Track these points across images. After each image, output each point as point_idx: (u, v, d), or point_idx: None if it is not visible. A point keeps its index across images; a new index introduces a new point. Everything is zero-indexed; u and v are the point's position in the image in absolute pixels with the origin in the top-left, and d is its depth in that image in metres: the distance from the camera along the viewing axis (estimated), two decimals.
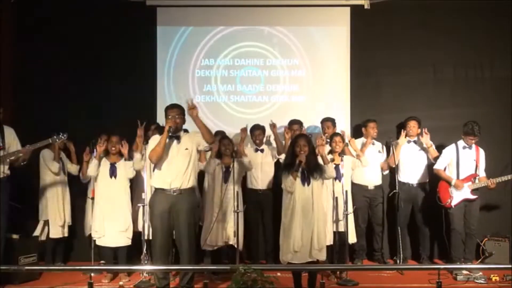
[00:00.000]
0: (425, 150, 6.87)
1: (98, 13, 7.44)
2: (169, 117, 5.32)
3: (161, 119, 7.38)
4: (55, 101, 7.34)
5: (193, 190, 5.46)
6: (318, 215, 5.39)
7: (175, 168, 5.30)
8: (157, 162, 5.33)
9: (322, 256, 5.45)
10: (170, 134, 5.30)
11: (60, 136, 5.98)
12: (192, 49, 7.64)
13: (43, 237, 6.70)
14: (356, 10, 7.53)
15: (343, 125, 7.29)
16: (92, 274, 5.31)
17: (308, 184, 5.38)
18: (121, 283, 6.09)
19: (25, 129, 6.48)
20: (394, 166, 6.73)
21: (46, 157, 6.71)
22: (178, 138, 5.36)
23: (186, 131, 5.58)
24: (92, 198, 6.37)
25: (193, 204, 5.44)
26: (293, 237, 5.31)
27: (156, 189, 5.41)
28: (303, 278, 5.54)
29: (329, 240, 6.09)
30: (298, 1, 7.58)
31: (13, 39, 7.45)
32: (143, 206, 6.09)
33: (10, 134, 5.95)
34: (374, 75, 7.58)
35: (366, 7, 7.49)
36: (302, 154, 5.35)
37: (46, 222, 6.69)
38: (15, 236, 6.21)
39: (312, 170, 5.40)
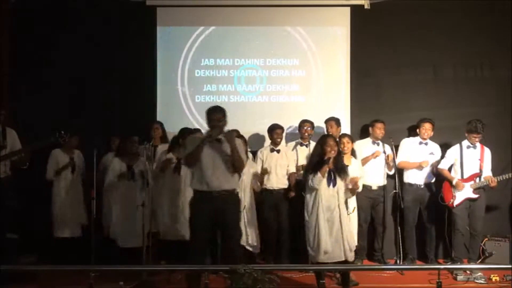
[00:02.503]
0: (434, 152, 6.89)
1: (98, 13, 7.44)
2: (212, 122, 5.31)
3: (161, 118, 7.41)
4: (55, 101, 7.34)
5: (235, 191, 5.41)
6: (344, 216, 5.42)
7: (217, 170, 5.26)
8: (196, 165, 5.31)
9: (352, 256, 5.49)
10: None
11: (62, 135, 5.97)
12: (192, 49, 7.63)
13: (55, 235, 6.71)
14: (356, 10, 7.52)
15: (343, 125, 7.27)
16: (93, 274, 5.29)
17: (334, 186, 5.40)
18: (121, 283, 6.07)
19: (26, 130, 6.48)
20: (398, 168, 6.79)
21: (55, 156, 6.73)
22: (220, 141, 5.31)
23: None
24: (93, 198, 6.34)
25: (236, 204, 5.41)
26: (321, 237, 5.31)
27: (196, 191, 5.35)
28: (307, 278, 5.55)
29: None
30: (298, 1, 7.58)
31: (12, 38, 7.45)
32: (142, 206, 6.04)
33: (12, 136, 5.98)
34: (374, 75, 7.58)
35: (366, 7, 7.49)
36: (331, 153, 5.36)
37: (57, 221, 6.69)
38: (15, 236, 6.20)
39: (339, 171, 5.42)
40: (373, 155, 6.82)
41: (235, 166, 5.29)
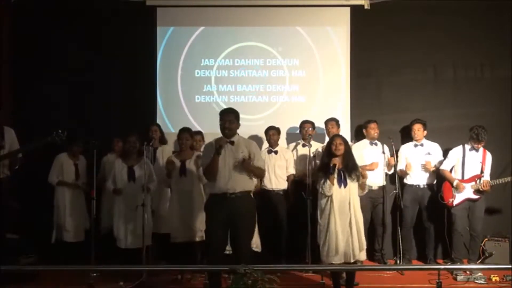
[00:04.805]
0: (431, 152, 6.87)
1: (98, 13, 7.44)
2: (224, 124, 5.31)
3: (160, 118, 7.42)
4: (55, 102, 7.33)
5: (249, 193, 5.38)
6: (356, 216, 5.40)
7: (230, 172, 5.23)
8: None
9: (363, 256, 5.48)
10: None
11: (60, 134, 5.92)
12: (192, 49, 7.62)
13: (54, 240, 6.72)
14: (356, 10, 7.52)
15: (344, 125, 7.27)
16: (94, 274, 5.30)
17: (345, 186, 5.37)
18: (121, 283, 6.07)
19: (25, 130, 6.46)
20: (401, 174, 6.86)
21: (59, 161, 6.74)
22: (233, 143, 5.31)
23: None
24: (93, 198, 6.35)
25: (250, 207, 5.35)
26: (335, 239, 5.30)
27: (211, 193, 5.35)
28: (306, 278, 5.55)
29: None
30: (298, 1, 7.58)
31: (12, 38, 7.44)
32: (142, 206, 6.03)
33: (10, 135, 5.94)
34: (374, 75, 7.58)
35: (366, 7, 7.49)
36: (337, 154, 5.36)
37: (59, 225, 6.70)
38: (15, 236, 6.20)
39: (349, 170, 5.40)
40: (370, 166, 6.75)
41: (258, 177, 5.65)
